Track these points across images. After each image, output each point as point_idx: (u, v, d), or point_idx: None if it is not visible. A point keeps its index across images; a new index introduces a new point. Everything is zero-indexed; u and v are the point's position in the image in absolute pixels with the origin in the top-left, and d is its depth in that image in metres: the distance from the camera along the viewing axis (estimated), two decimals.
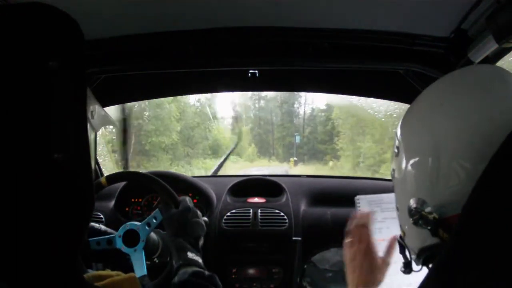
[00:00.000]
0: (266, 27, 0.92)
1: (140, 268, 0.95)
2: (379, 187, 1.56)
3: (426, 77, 1.02)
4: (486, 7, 0.73)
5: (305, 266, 1.33)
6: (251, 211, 1.37)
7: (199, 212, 0.96)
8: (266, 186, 1.52)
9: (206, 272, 0.81)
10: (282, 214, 1.36)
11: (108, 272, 0.57)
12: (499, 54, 0.83)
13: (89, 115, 0.52)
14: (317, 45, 0.98)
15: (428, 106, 0.55)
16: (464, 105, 0.49)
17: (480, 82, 0.51)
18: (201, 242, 0.92)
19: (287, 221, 1.34)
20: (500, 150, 0.41)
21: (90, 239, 0.99)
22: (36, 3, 0.41)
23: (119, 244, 0.99)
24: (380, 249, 0.79)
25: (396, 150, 0.58)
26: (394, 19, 0.87)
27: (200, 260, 0.85)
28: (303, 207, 1.42)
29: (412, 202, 0.52)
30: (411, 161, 0.53)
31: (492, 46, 0.77)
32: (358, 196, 0.95)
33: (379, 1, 0.79)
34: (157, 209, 0.99)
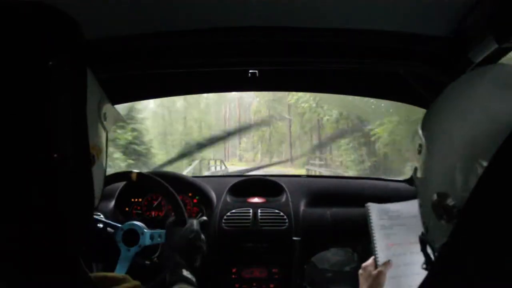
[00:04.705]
0: (266, 27, 0.92)
1: (123, 268, 0.96)
2: (378, 187, 1.56)
3: (425, 77, 1.02)
4: (486, 7, 0.73)
5: (305, 266, 1.33)
6: (251, 211, 1.37)
7: (202, 236, 0.99)
8: (266, 186, 1.53)
9: None
10: (282, 214, 1.36)
11: (115, 274, 0.56)
12: (499, 54, 0.83)
13: (102, 117, 0.53)
14: (317, 45, 0.98)
15: (452, 104, 0.55)
16: (488, 104, 0.49)
17: (505, 82, 0.51)
18: (197, 263, 0.95)
19: (287, 221, 1.34)
20: (502, 146, 0.41)
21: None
22: (37, 3, 0.41)
23: (119, 237, 1.00)
24: (388, 253, 0.92)
25: (419, 148, 0.59)
26: (394, 19, 0.87)
27: (194, 280, 0.88)
28: (303, 207, 1.42)
29: (435, 196, 0.53)
30: (434, 157, 0.55)
31: (492, 46, 0.76)
32: (369, 204, 1.00)
33: (379, 1, 0.79)
34: (165, 230, 1.01)
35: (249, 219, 1.35)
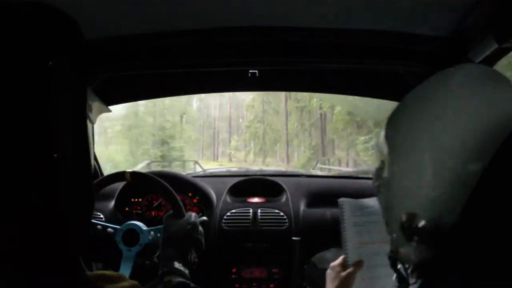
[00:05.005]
0: (266, 27, 0.92)
1: (127, 269, 0.95)
2: None
3: (426, 77, 1.01)
4: (486, 7, 0.73)
5: (305, 266, 1.33)
6: (250, 211, 1.37)
7: (201, 229, 0.97)
8: (265, 186, 1.52)
9: (192, 285, 0.79)
10: (282, 214, 1.36)
11: (112, 272, 0.56)
12: (499, 54, 0.83)
13: (88, 111, 0.51)
14: (317, 45, 0.98)
15: (416, 108, 0.51)
16: (457, 106, 0.46)
17: (474, 82, 0.48)
18: (192, 256, 0.92)
19: (287, 221, 1.34)
20: (499, 152, 0.40)
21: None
22: (37, 3, 0.41)
23: (118, 238, 0.99)
24: (360, 253, 0.84)
25: (380, 162, 0.53)
26: (394, 19, 0.87)
27: (186, 272, 0.85)
28: (302, 207, 1.42)
29: (404, 217, 0.47)
30: (398, 171, 0.49)
31: (492, 46, 0.77)
32: (342, 199, 0.94)
33: (379, 1, 0.79)
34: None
35: (249, 219, 1.35)
